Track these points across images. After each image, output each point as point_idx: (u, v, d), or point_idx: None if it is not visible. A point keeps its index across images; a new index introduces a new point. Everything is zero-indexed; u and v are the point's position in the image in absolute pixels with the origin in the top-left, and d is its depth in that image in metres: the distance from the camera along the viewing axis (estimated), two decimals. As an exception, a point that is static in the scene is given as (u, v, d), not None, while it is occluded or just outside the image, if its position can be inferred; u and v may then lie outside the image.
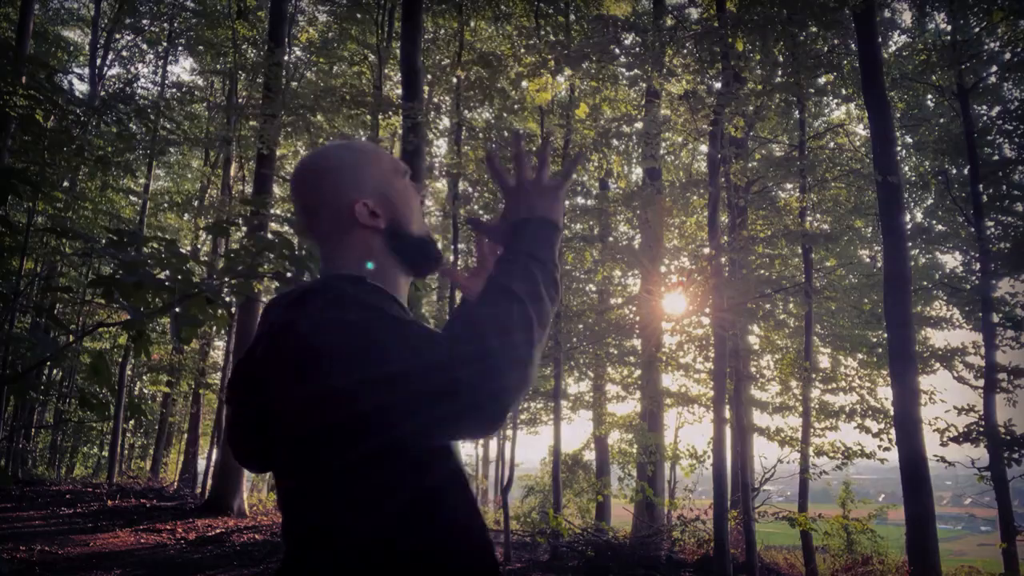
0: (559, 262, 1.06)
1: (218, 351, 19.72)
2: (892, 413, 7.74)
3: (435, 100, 15.00)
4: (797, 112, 11.42)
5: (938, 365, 12.62)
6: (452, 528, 0.97)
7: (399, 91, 11.08)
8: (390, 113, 11.08)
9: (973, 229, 11.35)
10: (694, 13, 13.50)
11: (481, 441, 17.28)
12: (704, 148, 11.87)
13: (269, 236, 2.78)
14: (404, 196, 1.16)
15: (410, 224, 1.15)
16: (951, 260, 26.33)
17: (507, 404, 0.89)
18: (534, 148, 11.22)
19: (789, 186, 12.09)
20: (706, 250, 9.74)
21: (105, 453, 19.98)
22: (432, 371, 0.89)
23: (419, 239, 1.16)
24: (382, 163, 1.16)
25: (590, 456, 16.58)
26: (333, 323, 0.94)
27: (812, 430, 9.93)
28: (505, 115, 13.53)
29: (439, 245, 1.25)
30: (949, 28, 12.01)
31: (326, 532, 0.95)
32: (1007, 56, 12.10)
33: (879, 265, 12.41)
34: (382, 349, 0.91)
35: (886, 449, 9.30)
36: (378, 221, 1.12)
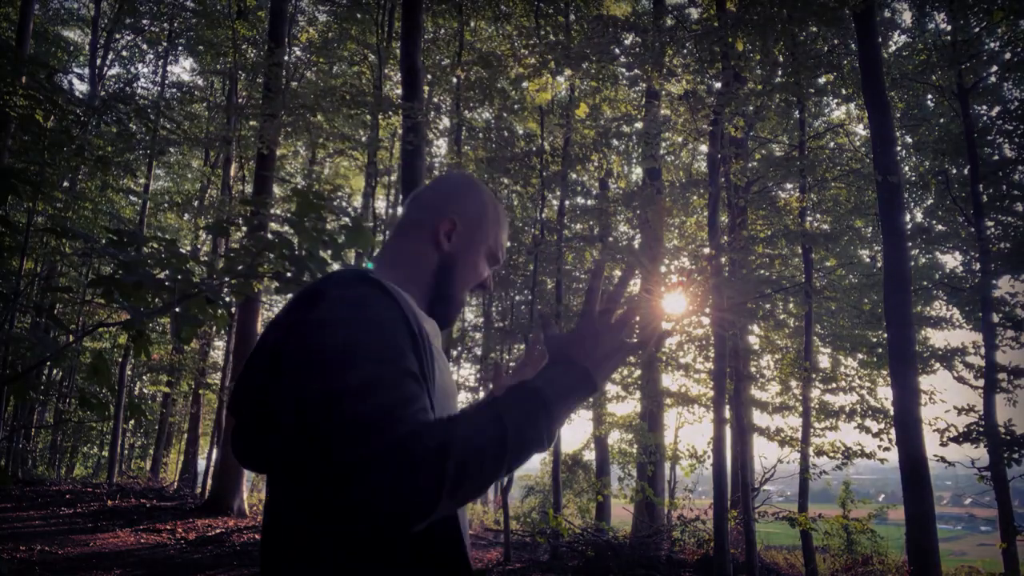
0: (563, 421, 1.01)
1: (218, 351, 19.74)
2: (892, 413, 7.74)
3: (435, 100, 15.00)
4: (797, 112, 11.42)
5: (938, 365, 12.61)
6: (423, 544, 0.96)
7: (399, 91, 11.08)
8: (390, 113, 11.08)
9: (973, 229, 11.34)
10: (694, 13, 13.51)
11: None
12: (704, 148, 11.87)
13: (269, 236, 2.78)
14: (477, 263, 1.20)
15: (463, 272, 1.18)
16: (951, 260, 26.36)
17: (413, 520, 0.84)
18: (534, 148, 11.20)
19: (789, 186, 12.09)
20: (706, 250, 9.74)
21: (105, 453, 19.98)
22: (383, 429, 0.84)
23: (454, 292, 1.18)
24: (497, 230, 1.22)
25: (590, 456, 16.58)
26: (335, 329, 0.93)
27: (812, 430, 9.93)
28: (505, 115, 13.53)
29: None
30: (949, 28, 12.00)
31: (295, 538, 0.95)
32: (1007, 56, 12.10)
33: (879, 265, 12.41)
34: (360, 371, 0.88)
35: (886, 449, 9.31)
36: (446, 244, 1.16)
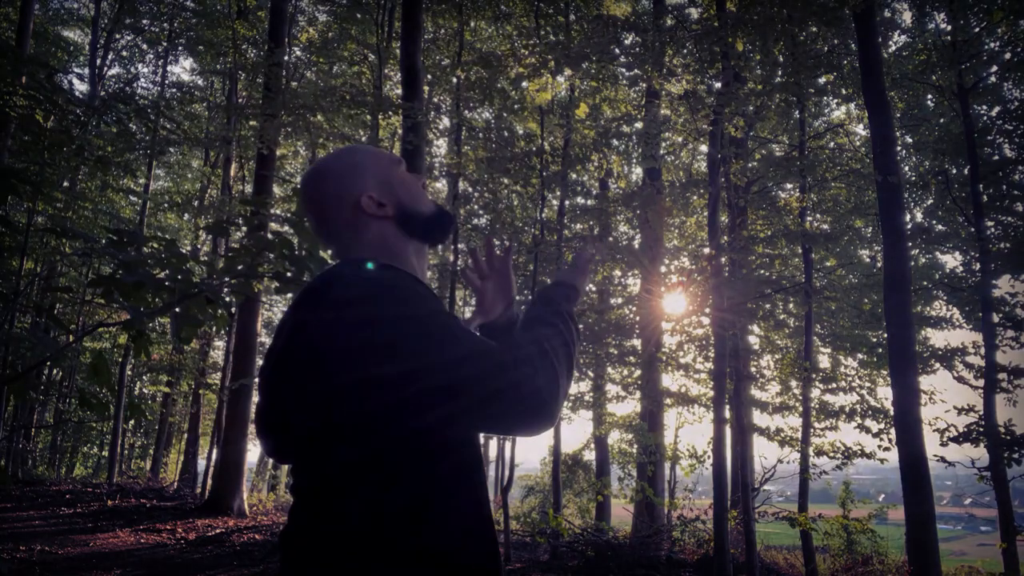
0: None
1: (218, 351, 19.73)
2: (892, 413, 7.73)
3: (435, 100, 15.00)
4: (797, 112, 11.41)
5: (938, 365, 12.60)
6: (455, 527, 0.97)
7: (399, 91, 11.08)
8: (390, 113, 11.08)
9: (973, 229, 11.34)
10: (694, 13, 13.50)
11: (481, 441, 17.29)
12: (704, 148, 11.87)
13: (269, 236, 2.77)
14: (405, 182, 1.24)
15: (418, 204, 1.22)
16: (951, 260, 26.37)
17: (559, 406, 1.00)
18: (534, 148, 11.21)
19: (789, 186, 12.09)
20: (706, 250, 9.74)
21: (105, 453, 19.98)
22: (494, 372, 0.95)
23: (430, 215, 1.23)
24: (379, 158, 1.24)
25: (590, 456, 16.57)
26: (365, 320, 0.96)
27: (812, 430, 9.93)
28: (505, 115, 13.52)
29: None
30: (949, 28, 12.00)
31: (329, 526, 0.95)
32: (1007, 56, 12.09)
33: (879, 265, 12.41)
34: (440, 346, 0.96)
35: (886, 449, 9.30)
36: (385, 210, 1.18)
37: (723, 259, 8.80)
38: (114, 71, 18.92)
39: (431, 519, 0.95)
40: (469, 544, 0.98)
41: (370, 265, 1.10)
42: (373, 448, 0.95)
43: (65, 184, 13.66)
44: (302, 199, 1.24)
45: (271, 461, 19.41)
